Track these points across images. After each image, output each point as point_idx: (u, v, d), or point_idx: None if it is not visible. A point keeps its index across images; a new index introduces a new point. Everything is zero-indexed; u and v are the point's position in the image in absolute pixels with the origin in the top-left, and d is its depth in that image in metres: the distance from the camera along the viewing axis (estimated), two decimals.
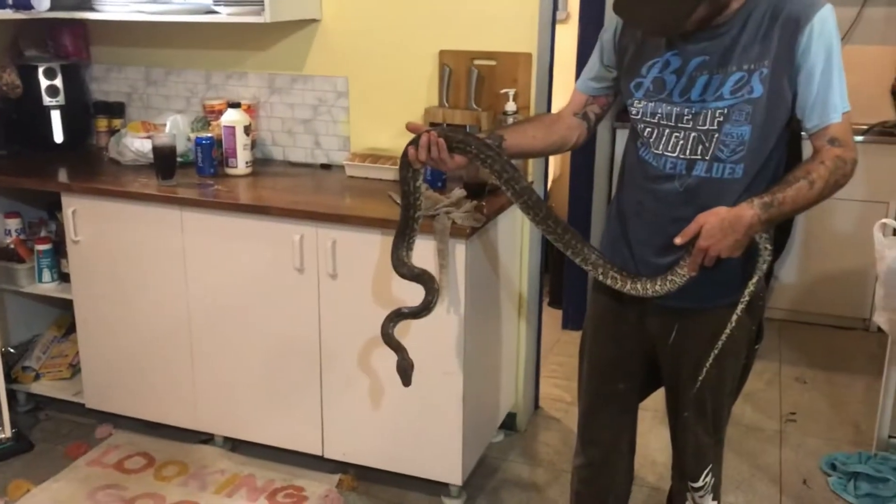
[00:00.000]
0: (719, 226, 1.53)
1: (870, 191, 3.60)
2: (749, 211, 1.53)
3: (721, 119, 1.59)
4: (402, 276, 1.92)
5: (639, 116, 1.69)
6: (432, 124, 2.65)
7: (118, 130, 2.99)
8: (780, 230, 3.65)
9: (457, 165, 1.72)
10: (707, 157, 1.61)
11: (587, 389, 1.94)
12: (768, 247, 1.61)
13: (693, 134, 1.62)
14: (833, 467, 2.66)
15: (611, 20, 1.75)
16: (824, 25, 1.53)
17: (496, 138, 1.76)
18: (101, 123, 3.11)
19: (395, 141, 2.78)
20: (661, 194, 1.67)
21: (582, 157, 3.64)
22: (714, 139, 1.60)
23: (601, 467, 1.96)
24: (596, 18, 3.41)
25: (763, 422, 3.01)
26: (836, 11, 3.83)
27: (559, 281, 3.89)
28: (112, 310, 2.70)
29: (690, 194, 1.64)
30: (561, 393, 3.18)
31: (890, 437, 2.68)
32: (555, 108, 2.76)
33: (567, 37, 3.60)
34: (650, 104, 1.66)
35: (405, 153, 1.76)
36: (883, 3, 3.83)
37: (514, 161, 1.75)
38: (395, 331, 1.92)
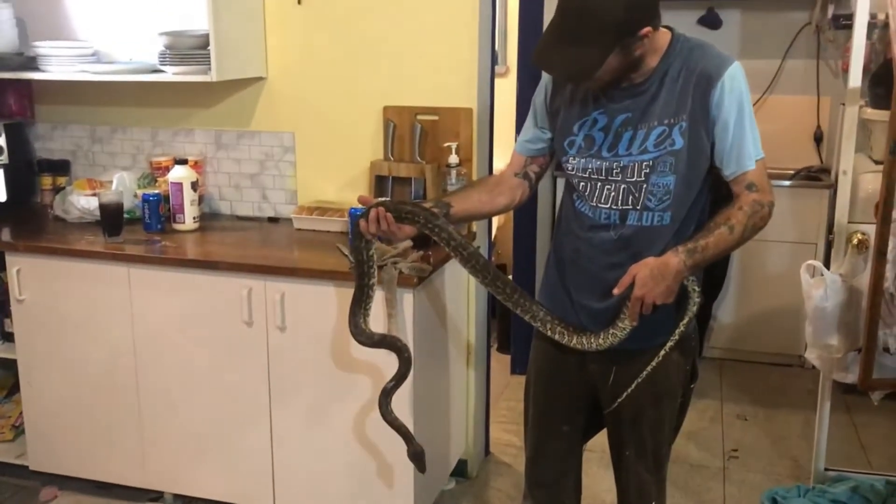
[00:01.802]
0: (650, 275, 1.63)
1: (798, 233, 3.76)
2: (675, 258, 1.63)
3: (647, 171, 1.69)
4: (362, 343, 2.00)
5: (573, 172, 1.79)
6: (378, 177, 2.72)
7: (63, 188, 2.99)
8: (716, 273, 3.80)
9: (406, 235, 1.84)
10: (638, 207, 1.71)
11: (532, 433, 2.00)
12: (696, 289, 1.72)
13: (623, 186, 1.72)
14: (774, 501, 2.74)
15: (541, 85, 1.87)
16: (734, 81, 1.66)
17: (443, 206, 1.86)
18: (46, 181, 3.11)
19: (341, 193, 2.83)
20: (596, 242, 1.76)
21: (525, 205, 3.73)
22: (643, 189, 1.70)
23: None
24: (533, 72, 3.52)
25: (707, 459, 3.09)
26: (760, 65, 4.08)
27: (507, 326, 3.96)
28: (57, 369, 2.67)
29: (624, 242, 1.73)
30: (511, 438, 3.22)
31: (826, 469, 2.78)
32: (496, 159, 2.87)
33: (507, 90, 3.72)
34: (582, 160, 1.76)
35: (356, 225, 1.85)
36: (802, 56, 4.06)
37: (463, 223, 1.83)
38: (391, 406, 2.00)
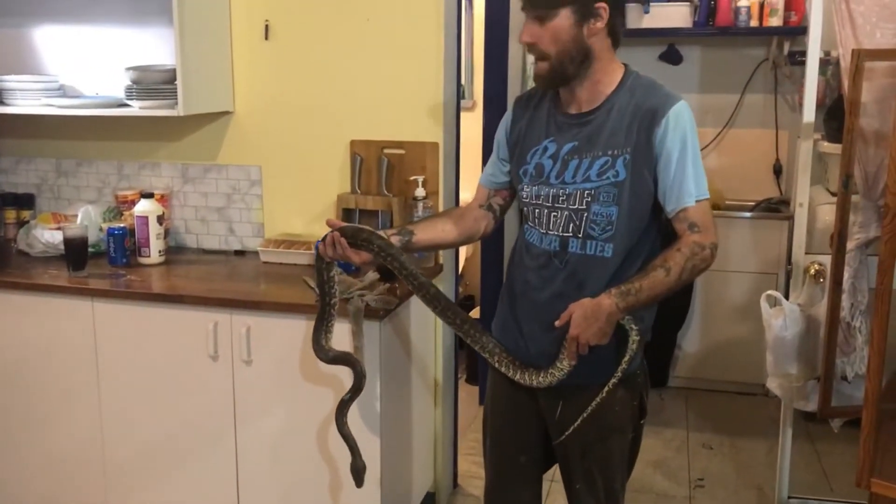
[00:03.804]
0: (584, 315, 1.65)
1: (760, 263, 3.83)
2: (607, 300, 1.65)
3: (589, 199, 1.72)
4: (322, 360, 2.04)
5: (527, 200, 1.83)
6: (345, 210, 2.74)
7: (27, 222, 2.96)
8: (679, 303, 3.86)
9: (363, 260, 1.87)
10: (580, 235, 1.74)
11: (490, 463, 2.02)
12: (633, 327, 1.71)
13: (566, 213, 1.75)
14: None
15: (503, 119, 1.92)
16: (679, 119, 1.69)
17: (406, 233, 1.91)
18: (10, 215, 3.08)
19: (308, 226, 2.85)
20: (544, 273, 1.80)
21: (492, 237, 3.76)
22: (584, 218, 1.73)
23: None
24: (499, 106, 3.58)
25: (673, 489, 3.11)
26: (720, 99, 4.16)
27: (475, 357, 3.97)
28: (19, 405, 2.63)
29: (570, 271, 1.76)
30: (480, 470, 3.20)
31: (790, 497, 2.82)
32: (462, 192, 2.91)
33: (473, 124, 3.78)
34: (534, 188, 1.80)
35: (317, 247, 1.90)
36: (760, 91, 4.17)
37: (426, 252, 1.87)
38: (346, 419, 2.04)
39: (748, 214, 3.92)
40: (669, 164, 1.69)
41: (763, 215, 3.95)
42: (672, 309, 3.87)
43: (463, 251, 4.14)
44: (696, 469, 3.27)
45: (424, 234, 1.94)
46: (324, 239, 1.88)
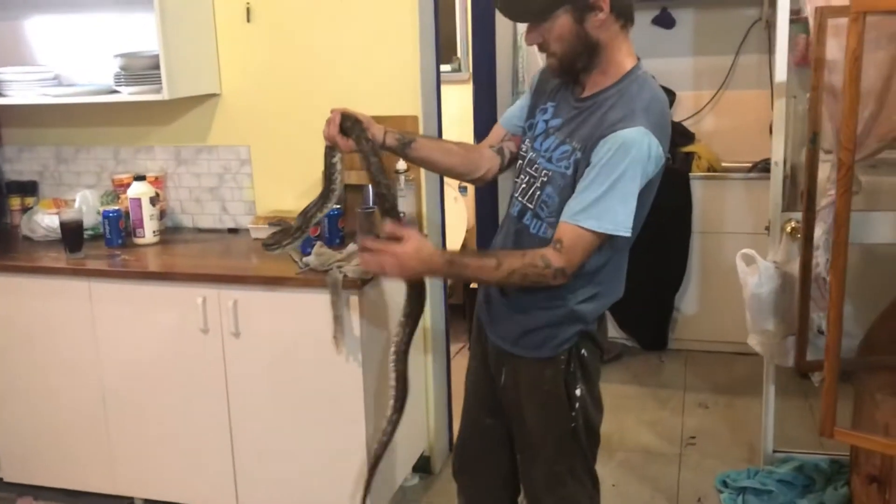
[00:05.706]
0: (410, 249, 1.65)
1: (754, 224, 3.83)
2: (437, 251, 1.68)
3: (545, 180, 1.71)
4: (298, 221, 2.03)
5: (522, 152, 1.83)
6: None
7: (31, 208, 3.08)
8: (677, 265, 3.88)
9: (347, 147, 1.84)
10: (532, 208, 1.75)
11: (461, 422, 2.07)
12: (393, 414, 1.91)
13: (534, 184, 1.75)
14: (725, 484, 2.82)
15: (541, 68, 1.88)
16: (624, 144, 1.56)
17: (407, 138, 1.87)
18: (15, 202, 3.20)
19: (298, 202, 2.91)
20: (504, 234, 1.84)
21: (490, 209, 3.83)
22: (538, 197, 1.73)
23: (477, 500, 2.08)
24: (487, 79, 3.63)
25: (664, 447, 3.17)
26: (714, 61, 4.10)
27: None
28: (26, 383, 2.76)
29: (517, 241, 1.78)
30: None
31: (774, 451, 2.86)
32: None
33: (467, 96, 3.83)
34: (528, 143, 1.80)
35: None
36: (754, 51, 4.15)
37: (422, 166, 2.04)
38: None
39: (742, 176, 3.93)
40: (587, 176, 1.60)
41: (758, 176, 3.93)
42: (669, 272, 3.91)
43: (464, 222, 4.20)
44: (690, 428, 3.32)
45: (426, 144, 1.88)
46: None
